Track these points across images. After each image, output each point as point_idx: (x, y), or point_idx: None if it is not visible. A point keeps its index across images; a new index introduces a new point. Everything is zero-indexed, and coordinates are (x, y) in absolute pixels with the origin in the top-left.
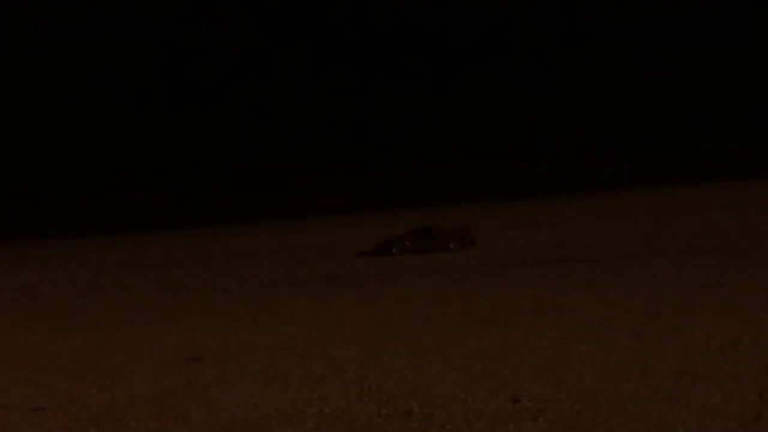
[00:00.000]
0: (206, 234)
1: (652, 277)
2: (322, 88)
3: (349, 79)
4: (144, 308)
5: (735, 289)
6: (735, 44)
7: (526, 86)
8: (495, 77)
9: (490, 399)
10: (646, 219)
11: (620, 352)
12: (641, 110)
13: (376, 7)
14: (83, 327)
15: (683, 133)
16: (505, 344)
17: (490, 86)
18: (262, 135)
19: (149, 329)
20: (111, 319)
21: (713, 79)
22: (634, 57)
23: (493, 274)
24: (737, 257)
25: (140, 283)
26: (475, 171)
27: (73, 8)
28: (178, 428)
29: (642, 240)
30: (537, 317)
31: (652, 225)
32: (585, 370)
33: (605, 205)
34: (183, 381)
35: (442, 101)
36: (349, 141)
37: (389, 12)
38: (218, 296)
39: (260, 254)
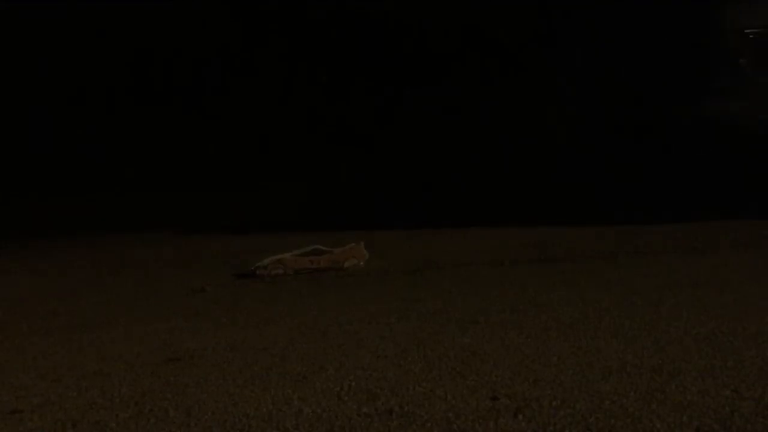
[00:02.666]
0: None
1: (631, 276)
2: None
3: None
4: (121, 309)
5: (711, 287)
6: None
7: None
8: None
9: (470, 397)
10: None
11: (597, 350)
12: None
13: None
14: (61, 329)
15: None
16: (484, 342)
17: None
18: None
19: (127, 331)
20: (89, 320)
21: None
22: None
23: (471, 274)
24: (713, 256)
25: (118, 284)
26: None
27: None
28: (157, 429)
29: (617, 239)
30: (515, 316)
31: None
32: (563, 367)
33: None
34: (162, 382)
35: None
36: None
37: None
38: (195, 297)
39: (235, 254)
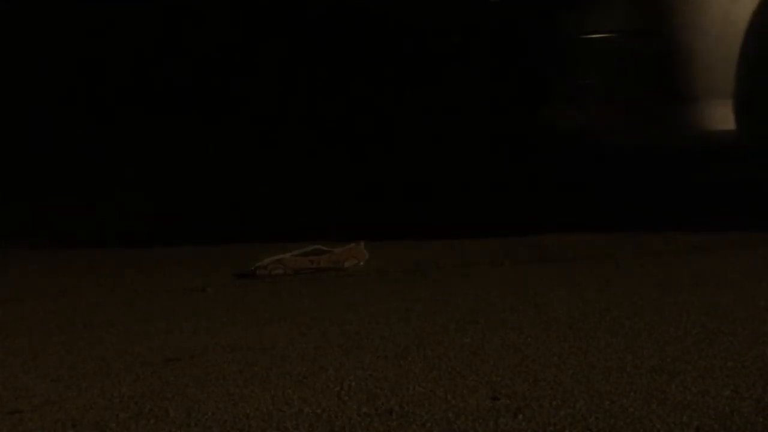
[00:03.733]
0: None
1: (631, 275)
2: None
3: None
4: (121, 309)
5: (711, 287)
6: None
7: None
8: None
9: (470, 397)
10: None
11: (597, 350)
12: None
13: None
14: (61, 328)
15: None
16: (484, 342)
17: None
18: None
19: (127, 330)
20: (89, 320)
21: None
22: None
23: (471, 274)
24: (713, 256)
25: (118, 284)
26: None
27: None
28: (157, 429)
29: (617, 239)
30: (515, 316)
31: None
32: (563, 367)
33: None
34: (162, 382)
35: None
36: None
37: None
38: (195, 297)
39: (234, 254)
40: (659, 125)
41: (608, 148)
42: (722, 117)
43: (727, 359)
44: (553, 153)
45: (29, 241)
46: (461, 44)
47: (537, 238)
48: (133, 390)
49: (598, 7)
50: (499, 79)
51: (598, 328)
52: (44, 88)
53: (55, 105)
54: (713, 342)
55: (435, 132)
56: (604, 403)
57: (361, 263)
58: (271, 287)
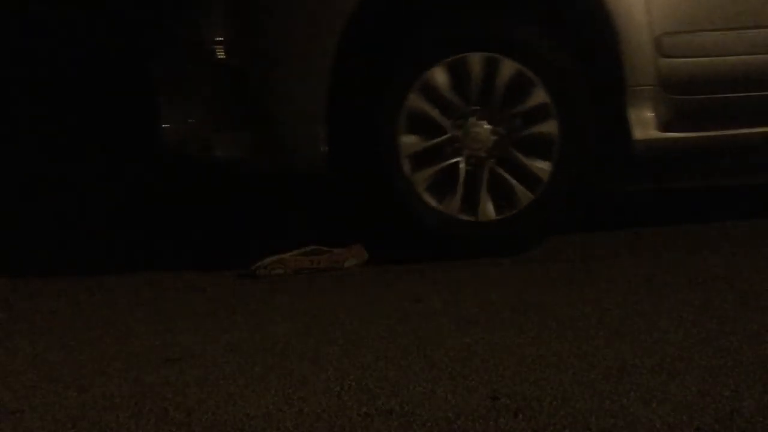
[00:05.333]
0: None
1: (631, 275)
2: None
3: None
4: (122, 309)
5: (711, 287)
6: None
7: None
8: None
9: (470, 397)
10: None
11: (597, 350)
12: None
13: None
14: (61, 328)
15: None
16: (484, 342)
17: None
18: None
19: (127, 330)
20: (89, 320)
21: None
22: None
23: (471, 274)
24: (713, 256)
25: (118, 284)
26: None
27: None
28: (157, 429)
29: (617, 239)
30: (515, 316)
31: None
32: (563, 367)
33: None
34: (161, 382)
35: None
36: None
37: None
38: (195, 297)
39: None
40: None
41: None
42: (309, 140)
43: (727, 359)
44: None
45: (29, 239)
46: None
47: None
48: (133, 390)
49: (176, 24)
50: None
51: (598, 328)
52: None
53: None
54: (713, 342)
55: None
56: (604, 403)
57: (361, 262)
58: (271, 287)
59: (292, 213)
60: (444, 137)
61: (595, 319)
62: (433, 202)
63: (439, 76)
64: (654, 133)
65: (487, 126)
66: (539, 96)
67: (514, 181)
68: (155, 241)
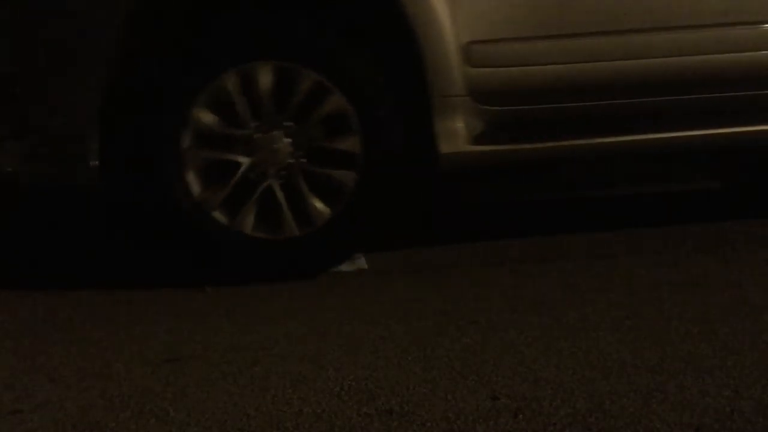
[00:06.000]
0: None
1: (631, 276)
2: None
3: None
4: (122, 309)
5: (711, 287)
6: None
7: None
8: None
9: (470, 397)
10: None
11: (597, 350)
12: None
13: None
14: (61, 328)
15: None
16: (484, 343)
17: None
18: None
19: (127, 330)
20: (89, 320)
21: None
22: None
23: (471, 274)
24: (713, 256)
25: (118, 283)
26: None
27: None
28: (157, 429)
29: (617, 239)
30: (515, 316)
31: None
32: (563, 367)
33: None
34: (162, 382)
35: None
36: None
37: None
38: (195, 297)
39: None
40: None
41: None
42: (79, 153)
43: (727, 359)
44: None
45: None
46: None
47: (536, 238)
48: (133, 390)
49: None
50: None
51: (598, 328)
52: None
53: None
54: (713, 342)
55: None
56: (604, 403)
57: (361, 261)
58: (271, 287)
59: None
60: (236, 151)
61: (595, 319)
62: (223, 219)
63: (230, 85)
64: (463, 147)
65: (284, 139)
66: (339, 107)
67: (313, 197)
68: (155, 241)
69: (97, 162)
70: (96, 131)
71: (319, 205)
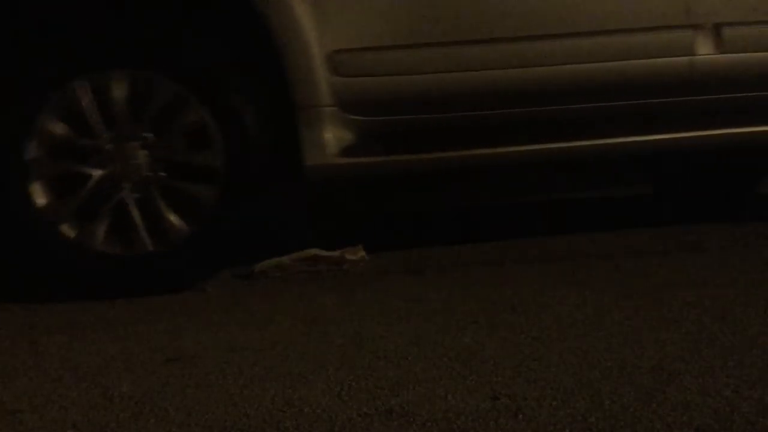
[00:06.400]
0: None
1: (631, 276)
2: None
3: None
4: (122, 309)
5: (711, 287)
6: None
7: None
8: None
9: (470, 397)
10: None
11: (597, 350)
12: None
13: None
14: (61, 328)
15: None
16: (484, 343)
17: None
18: None
19: (127, 330)
20: (89, 320)
21: None
22: None
23: (472, 274)
24: (713, 256)
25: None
26: None
27: None
28: (157, 429)
29: (617, 239)
30: (515, 316)
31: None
32: (563, 367)
33: None
34: (162, 382)
35: None
36: None
37: None
38: (195, 297)
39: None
40: None
41: None
42: None
43: (727, 359)
44: None
45: None
46: None
47: (537, 238)
48: (134, 390)
49: None
50: None
51: (598, 328)
52: None
53: None
54: (713, 342)
55: None
56: (604, 403)
57: (360, 264)
58: (271, 287)
59: (292, 214)
60: (90, 163)
61: (595, 319)
62: (72, 233)
63: (80, 93)
64: (331, 159)
65: (141, 151)
66: (199, 119)
67: (171, 213)
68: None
69: None
70: None
71: (176, 220)
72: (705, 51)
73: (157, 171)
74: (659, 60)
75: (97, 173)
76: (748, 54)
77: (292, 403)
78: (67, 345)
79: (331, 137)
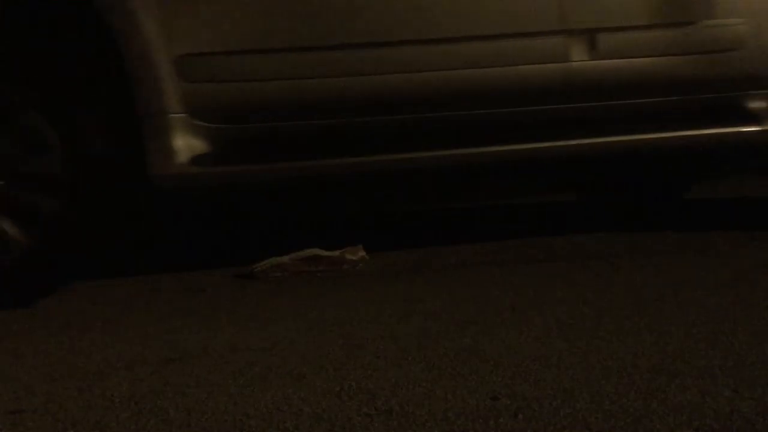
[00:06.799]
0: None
1: (630, 276)
2: None
3: None
4: (122, 309)
5: (711, 288)
6: None
7: None
8: None
9: (470, 397)
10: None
11: (598, 350)
12: None
13: None
14: (61, 328)
15: None
16: (484, 342)
17: None
18: None
19: (127, 330)
20: (89, 320)
21: None
22: None
23: (471, 274)
24: (713, 256)
25: (118, 283)
26: None
27: None
28: (157, 429)
29: (617, 239)
30: (515, 316)
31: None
32: (563, 367)
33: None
34: (162, 382)
35: None
36: None
37: None
38: (195, 297)
39: (232, 253)
40: None
41: None
42: None
43: (727, 359)
44: None
45: None
46: None
47: (537, 238)
48: (134, 390)
49: None
50: None
51: (598, 328)
52: None
53: None
54: (713, 342)
55: None
56: (604, 403)
57: (361, 264)
58: (271, 287)
59: (292, 215)
60: None
61: (595, 319)
62: None
63: None
64: (180, 167)
65: None
66: (35, 124)
67: (9, 223)
68: (155, 241)
69: None
70: None
71: (13, 231)
72: (579, 58)
73: None
74: (533, 67)
75: None
76: (623, 60)
77: (292, 402)
78: (68, 345)
79: (182, 145)
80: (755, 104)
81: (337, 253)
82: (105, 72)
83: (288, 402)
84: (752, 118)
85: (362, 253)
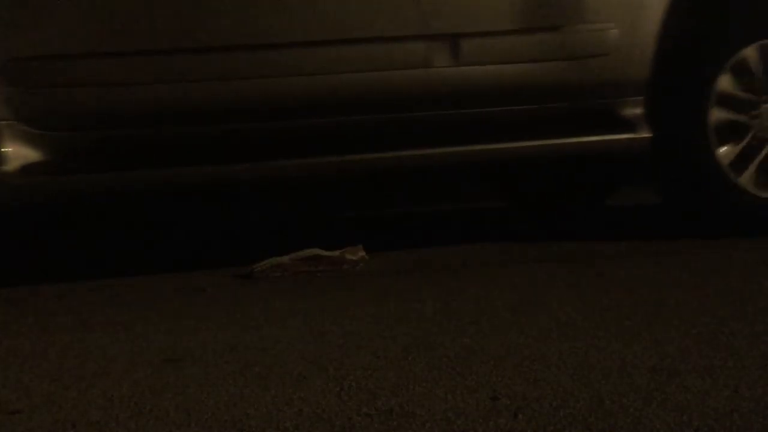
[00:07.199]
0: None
1: (629, 276)
2: None
3: None
4: (122, 309)
5: (711, 288)
6: None
7: None
8: None
9: (470, 397)
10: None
11: (598, 350)
12: None
13: None
14: (61, 328)
15: None
16: (484, 342)
17: None
18: None
19: (127, 330)
20: (89, 320)
21: None
22: None
23: (471, 274)
24: (713, 256)
25: (117, 283)
26: None
27: None
28: (157, 429)
29: (617, 239)
30: (515, 316)
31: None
32: (563, 367)
33: None
34: (161, 382)
35: None
36: None
37: None
38: (195, 297)
39: (234, 255)
40: None
41: None
42: None
43: (727, 359)
44: None
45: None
46: None
47: (537, 239)
48: (133, 390)
49: None
50: None
51: (598, 328)
52: None
53: None
54: (713, 342)
55: None
56: (604, 403)
57: (361, 264)
58: (271, 287)
59: (292, 214)
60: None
61: (595, 319)
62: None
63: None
64: (7, 177)
65: None
66: None
67: None
68: (155, 241)
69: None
70: None
71: None
72: (441, 63)
73: None
74: (396, 72)
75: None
76: (488, 66)
77: (292, 402)
78: (67, 345)
79: (11, 153)
80: (629, 111)
81: (337, 253)
82: None
83: (288, 402)
84: (626, 125)
85: (362, 253)
